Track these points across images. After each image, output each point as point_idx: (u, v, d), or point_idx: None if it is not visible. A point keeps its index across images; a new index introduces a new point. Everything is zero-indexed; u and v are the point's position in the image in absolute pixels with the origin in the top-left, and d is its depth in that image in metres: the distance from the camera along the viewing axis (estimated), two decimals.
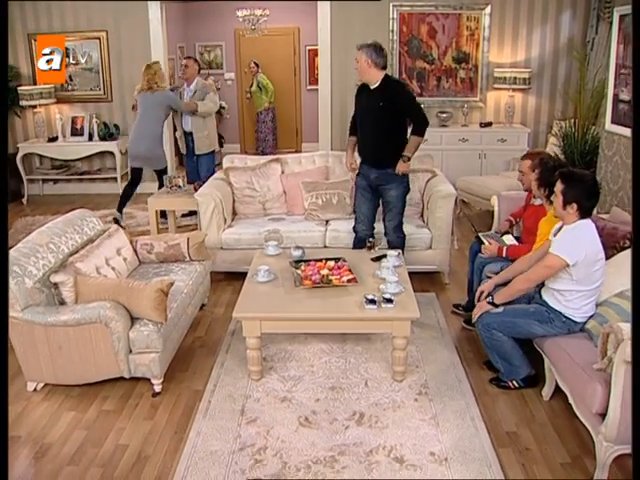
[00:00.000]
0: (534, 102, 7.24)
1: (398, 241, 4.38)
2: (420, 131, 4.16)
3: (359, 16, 7.03)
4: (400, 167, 4.16)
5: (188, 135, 6.12)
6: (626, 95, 4.81)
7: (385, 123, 4.11)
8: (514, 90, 7.07)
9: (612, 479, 2.59)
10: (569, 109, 6.95)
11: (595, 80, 6.25)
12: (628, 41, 4.76)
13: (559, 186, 2.98)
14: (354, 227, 4.52)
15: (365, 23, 7.00)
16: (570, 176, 3.00)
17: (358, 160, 4.42)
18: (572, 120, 6.38)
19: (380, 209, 4.47)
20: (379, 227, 4.47)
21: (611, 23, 5.15)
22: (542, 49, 7.09)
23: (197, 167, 6.18)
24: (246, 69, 9.78)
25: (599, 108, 5.94)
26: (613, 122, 5.03)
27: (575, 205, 2.93)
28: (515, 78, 6.93)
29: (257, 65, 9.47)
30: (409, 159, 4.19)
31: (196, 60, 6.34)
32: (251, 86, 9.64)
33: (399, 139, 4.20)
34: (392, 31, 7.07)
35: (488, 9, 6.96)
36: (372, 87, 4.09)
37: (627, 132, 4.80)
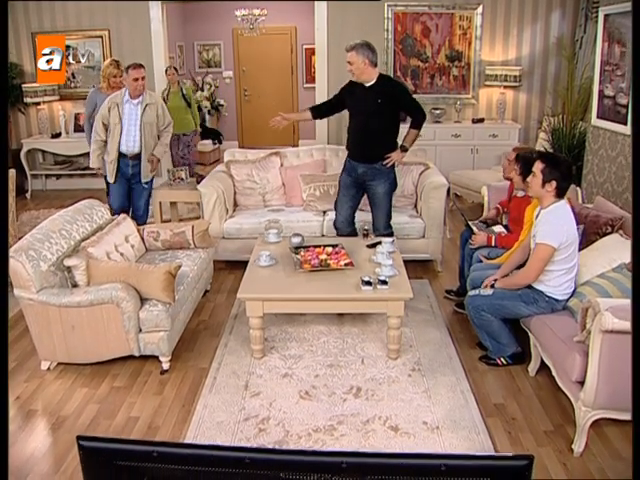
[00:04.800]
0: (525, 99, 7.45)
1: (388, 236, 4.50)
2: (419, 125, 4.33)
3: (355, 16, 7.22)
4: (395, 155, 4.30)
5: (127, 159, 4.91)
6: (610, 91, 5.02)
7: (382, 120, 4.22)
8: (505, 87, 7.28)
9: (590, 443, 2.80)
10: (558, 106, 7.17)
11: (583, 77, 6.47)
12: (612, 39, 4.97)
13: (539, 166, 3.16)
14: (335, 223, 4.62)
15: (361, 22, 7.21)
16: (550, 157, 3.23)
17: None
18: (561, 116, 6.61)
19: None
20: (361, 217, 4.62)
21: (597, 21, 5.36)
22: (532, 48, 7.30)
23: (135, 198, 5.07)
24: (169, 75, 7.07)
25: (586, 104, 6.17)
26: (599, 117, 5.24)
27: (554, 183, 3.12)
28: (506, 76, 7.15)
29: (177, 70, 7.23)
30: (407, 150, 4.37)
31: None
32: (167, 94, 6.91)
33: (392, 134, 4.35)
34: (387, 30, 7.27)
35: (480, 9, 7.17)
36: (368, 85, 4.17)
37: (612, 126, 5.01)
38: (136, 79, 4.71)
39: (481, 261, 3.88)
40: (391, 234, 4.46)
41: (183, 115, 6.88)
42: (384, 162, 4.31)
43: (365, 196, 4.55)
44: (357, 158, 4.42)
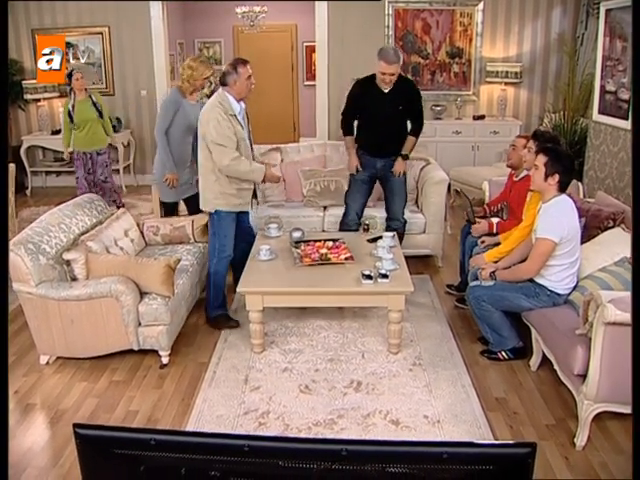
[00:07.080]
0: (526, 95, 7.43)
1: (403, 226, 4.57)
2: (418, 132, 4.44)
3: (355, 13, 7.20)
4: (398, 166, 4.38)
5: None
6: (612, 86, 5.00)
7: (402, 119, 4.37)
8: (506, 84, 7.26)
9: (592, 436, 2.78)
10: (559, 102, 7.14)
11: (584, 74, 6.45)
12: (614, 34, 4.95)
13: (542, 159, 3.14)
14: (345, 220, 4.59)
15: (361, 19, 7.20)
16: (553, 150, 3.20)
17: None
18: (562, 112, 6.59)
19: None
20: (370, 213, 4.61)
21: (599, 17, 5.34)
22: (533, 44, 7.28)
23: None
24: (76, 80, 5.79)
25: (588, 101, 6.15)
26: (600, 112, 5.22)
27: (557, 176, 3.11)
28: (507, 72, 7.13)
29: (82, 76, 5.85)
30: (408, 158, 4.44)
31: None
32: (73, 104, 5.78)
33: (406, 128, 4.46)
34: (387, 27, 7.25)
35: (481, 5, 7.15)
36: (387, 90, 4.17)
37: (613, 122, 4.99)
38: (249, 77, 3.70)
39: (483, 241, 3.88)
40: (404, 223, 4.58)
41: (95, 129, 5.83)
42: (394, 173, 4.41)
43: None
44: (376, 154, 4.44)
